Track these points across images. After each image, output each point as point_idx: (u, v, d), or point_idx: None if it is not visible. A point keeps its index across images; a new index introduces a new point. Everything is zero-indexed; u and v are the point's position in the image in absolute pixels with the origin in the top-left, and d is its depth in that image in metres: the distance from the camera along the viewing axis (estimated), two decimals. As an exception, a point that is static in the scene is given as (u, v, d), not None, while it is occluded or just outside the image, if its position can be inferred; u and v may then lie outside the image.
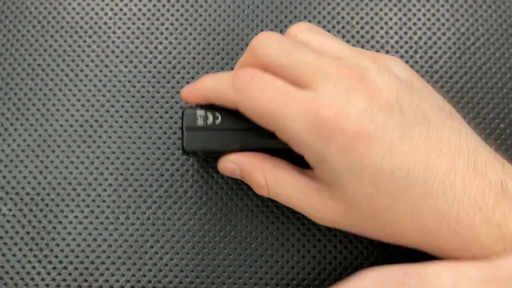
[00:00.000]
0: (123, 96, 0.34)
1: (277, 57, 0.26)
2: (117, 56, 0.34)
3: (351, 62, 0.26)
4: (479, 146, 0.25)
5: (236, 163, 0.28)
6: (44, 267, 0.31)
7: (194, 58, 0.35)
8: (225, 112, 0.27)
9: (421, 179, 0.24)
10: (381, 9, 0.35)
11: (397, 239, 0.26)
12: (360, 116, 0.24)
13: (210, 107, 0.28)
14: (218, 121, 0.27)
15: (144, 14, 0.35)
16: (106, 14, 0.35)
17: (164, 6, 0.35)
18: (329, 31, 0.35)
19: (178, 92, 0.34)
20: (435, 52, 0.35)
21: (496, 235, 0.23)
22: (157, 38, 0.35)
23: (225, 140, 0.27)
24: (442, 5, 0.36)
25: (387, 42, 0.35)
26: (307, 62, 0.26)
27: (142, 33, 0.35)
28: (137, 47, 0.35)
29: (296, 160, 0.28)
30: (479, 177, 0.24)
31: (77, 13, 0.35)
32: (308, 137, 0.24)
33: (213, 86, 0.28)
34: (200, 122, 0.27)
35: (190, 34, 0.35)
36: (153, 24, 0.35)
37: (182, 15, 0.35)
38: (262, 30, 0.35)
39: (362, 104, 0.24)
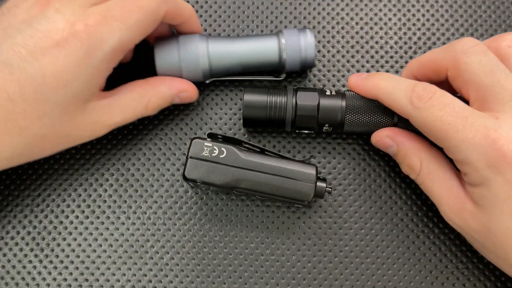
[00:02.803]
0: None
1: (476, 71, 0.26)
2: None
3: None
4: None
5: (396, 142, 0.29)
6: (45, 267, 0.31)
7: (194, 58, 0.35)
8: (231, 149, 0.28)
9: None
10: (380, 10, 0.36)
11: None
12: None
13: (220, 140, 0.29)
14: (222, 156, 0.28)
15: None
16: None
17: (164, 6, 0.36)
18: (328, 31, 0.35)
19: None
20: (435, 52, 0.35)
21: None
22: (157, 38, 0.35)
23: (225, 175, 0.28)
24: (442, 6, 0.36)
25: (386, 42, 0.35)
26: (504, 87, 0.26)
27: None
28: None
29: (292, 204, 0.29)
30: None
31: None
32: (477, 162, 0.25)
33: (388, 89, 0.28)
34: (205, 153, 0.28)
35: (191, 34, 0.35)
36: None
37: (182, 15, 0.35)
38: (262, 31, 0.35)
39: None
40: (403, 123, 0.30)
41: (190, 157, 0.28)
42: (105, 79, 0.28)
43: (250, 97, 0.30)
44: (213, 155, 0.28)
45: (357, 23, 0.35)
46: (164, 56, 0.30)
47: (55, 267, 0.31)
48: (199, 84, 0.33)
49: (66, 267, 0.31)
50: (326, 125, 0.30)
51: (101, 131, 0.29)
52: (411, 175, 0.30)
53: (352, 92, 0.30)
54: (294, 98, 0.30)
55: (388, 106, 0.29)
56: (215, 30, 0.35)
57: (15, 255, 0.31)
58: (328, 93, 0.30)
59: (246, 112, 0.30)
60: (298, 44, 0.31)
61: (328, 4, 0.35)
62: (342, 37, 0.35)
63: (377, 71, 0.35)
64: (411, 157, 0.29)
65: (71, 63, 0.25)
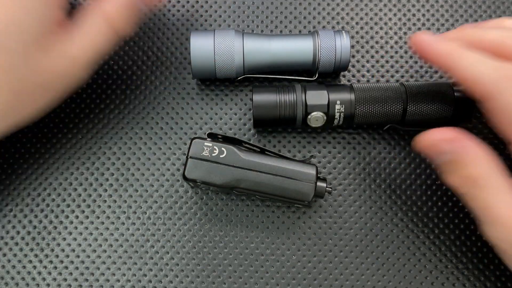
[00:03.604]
0: (123, 97, 0.34)
1: None
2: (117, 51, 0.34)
3: None
4: None
5: (459, 148, 0.25)
6: (45, 267, 0.31)
7: (194, 58, 0.35)
8: (231, 149, 0.28)
9: None
10: (380, 10, 0.35)
11: None
12: None
13: (220, 140, 0.29)
14: (222, 156, 0.28)
15: (144, 14, 0.35)
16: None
17: (164, 6, 0.36)
18: (329, 31, 0.35)
19: (177, 96, 0.34)
20: (435, 52, 0.35)
21: None
22: (158, 38, 0.35)
23: (225, 175, 0.28)
24: (442, 6, 0.36)
25: (387, 42, 0.35)
26: None
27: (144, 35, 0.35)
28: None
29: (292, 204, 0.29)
30: None
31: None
32: None
33: (470, 61, 0.25)
34: (205, 153, 0.28)
35: (191, 34, 0.35)
36: (153, 24, 0.35)
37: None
38: (262, 31, 0.35)
39: None
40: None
41: (190, 157, 0.28)
42: (62, 11, 0.26)
43: (260, 97, 0.30)
44: (213, 155, 0.28)
45: (357, 23, 0.35)
46: (199, 50, 0.30)
47: (55, 267, 0.31)
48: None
49: (66, 267, 0.31)
50: (336, 116, 0.30)
51: (77, 68, 0.27)
52: (464, 188, 0.25)
53: (359, 85, 0.31)
54: (303, 91, 0.30)
55: (459, 80, 0.25)
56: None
57: (15, 255, 0.31)
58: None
59: (256, 112, 0.30)
60: (334, 45, 0.31)
61: (328, 4, 0.35)
62: (342, 37, 0.35)
63: (377, 71, 0.34)
64: (477, 166, 0.24)
65: (17, 3, 0.24)
